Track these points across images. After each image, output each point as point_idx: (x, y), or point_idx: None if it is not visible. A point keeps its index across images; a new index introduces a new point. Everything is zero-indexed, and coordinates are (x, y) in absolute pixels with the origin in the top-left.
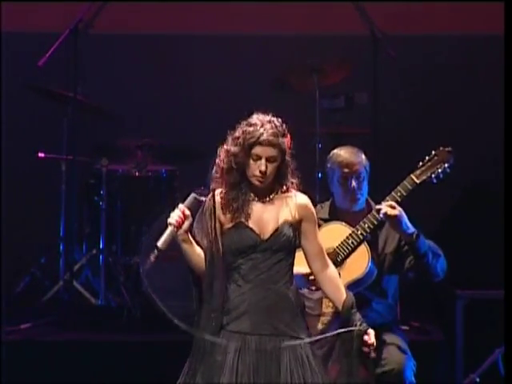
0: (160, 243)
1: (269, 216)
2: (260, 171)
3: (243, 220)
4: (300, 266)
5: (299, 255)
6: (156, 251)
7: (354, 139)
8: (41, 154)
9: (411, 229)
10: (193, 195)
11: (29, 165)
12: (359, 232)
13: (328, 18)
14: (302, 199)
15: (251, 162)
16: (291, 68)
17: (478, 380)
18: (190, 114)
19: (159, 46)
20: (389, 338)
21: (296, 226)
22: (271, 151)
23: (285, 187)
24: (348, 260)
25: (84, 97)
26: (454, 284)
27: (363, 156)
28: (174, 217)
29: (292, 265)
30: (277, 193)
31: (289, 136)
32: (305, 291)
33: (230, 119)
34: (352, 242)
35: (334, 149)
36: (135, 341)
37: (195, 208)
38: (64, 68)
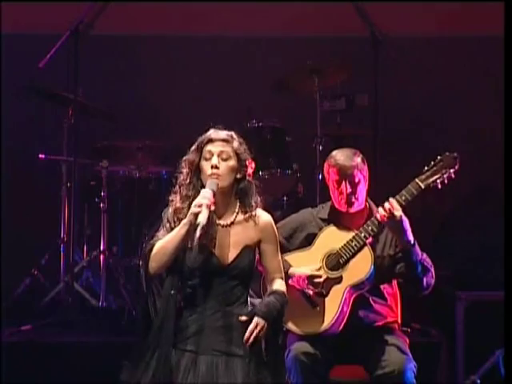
0: (203, 219)
1: (230, 241)
2: (212, 166)
3: (206, 243)
4: (302, 267)
5: (300, 255)
6: (200, 228)
7: (354, 141)
8: (41, 156)
9: (409, 236)
10: (213, 181)
11: (29, 166)
12: (362, 235)
13: (328, 20)
14: (264, 219)
15: (205, 162)
16: (292, 70)
17: (478, 381)
18: (191, 116)
19: (160, 47)
20: (389, 339)
21: (255, 248)
22: (222, 146)
23: (247, 207)
24: (351, 262)
25: (85, 98)
26: (454, 285)
27: (358, 159)
28: (209, 198)
29: (248, 286)
30: (238, 214)
31: (250, 157)
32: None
33: (231, 120)
34: (355, 245)
35: (334, 150)
36: (136, 342)
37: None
38: (65, 69)
